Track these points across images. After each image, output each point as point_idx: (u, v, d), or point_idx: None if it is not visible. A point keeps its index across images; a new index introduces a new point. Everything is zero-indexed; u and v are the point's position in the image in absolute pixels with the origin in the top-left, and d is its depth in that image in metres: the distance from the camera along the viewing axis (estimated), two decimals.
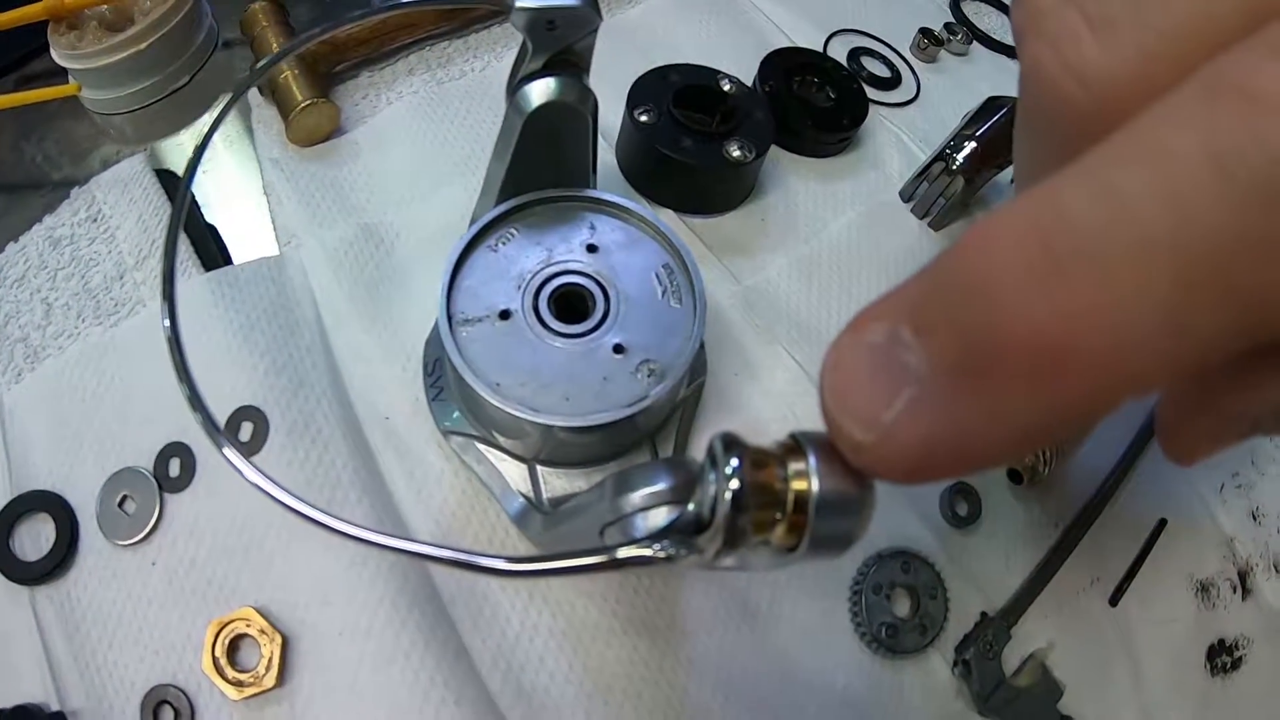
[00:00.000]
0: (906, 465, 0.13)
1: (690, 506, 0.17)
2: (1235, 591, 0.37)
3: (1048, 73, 0.14)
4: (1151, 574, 0.36)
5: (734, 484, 0.16)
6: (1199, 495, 0.39)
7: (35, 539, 0.31)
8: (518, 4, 0.26)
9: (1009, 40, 0.52)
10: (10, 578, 0.30)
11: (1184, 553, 0.37)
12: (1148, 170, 0.11)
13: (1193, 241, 0.11)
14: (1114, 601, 0.35)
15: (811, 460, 0.16)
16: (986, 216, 0.12)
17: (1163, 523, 0.38)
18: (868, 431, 0.13)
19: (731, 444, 0.16)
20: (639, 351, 0.29)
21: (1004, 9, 0.55)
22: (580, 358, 0.28)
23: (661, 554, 0.16)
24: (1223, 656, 0.36)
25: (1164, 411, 0.18)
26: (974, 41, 0.53)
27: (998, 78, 0.51)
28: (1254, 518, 0.39)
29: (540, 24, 0.26)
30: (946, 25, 0.53)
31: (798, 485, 0.16)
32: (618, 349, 0.29)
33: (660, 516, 0.18)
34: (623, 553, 0.16)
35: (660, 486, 0.19)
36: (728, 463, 0.16)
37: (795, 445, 0.17)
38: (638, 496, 0.19)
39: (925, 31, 0.51)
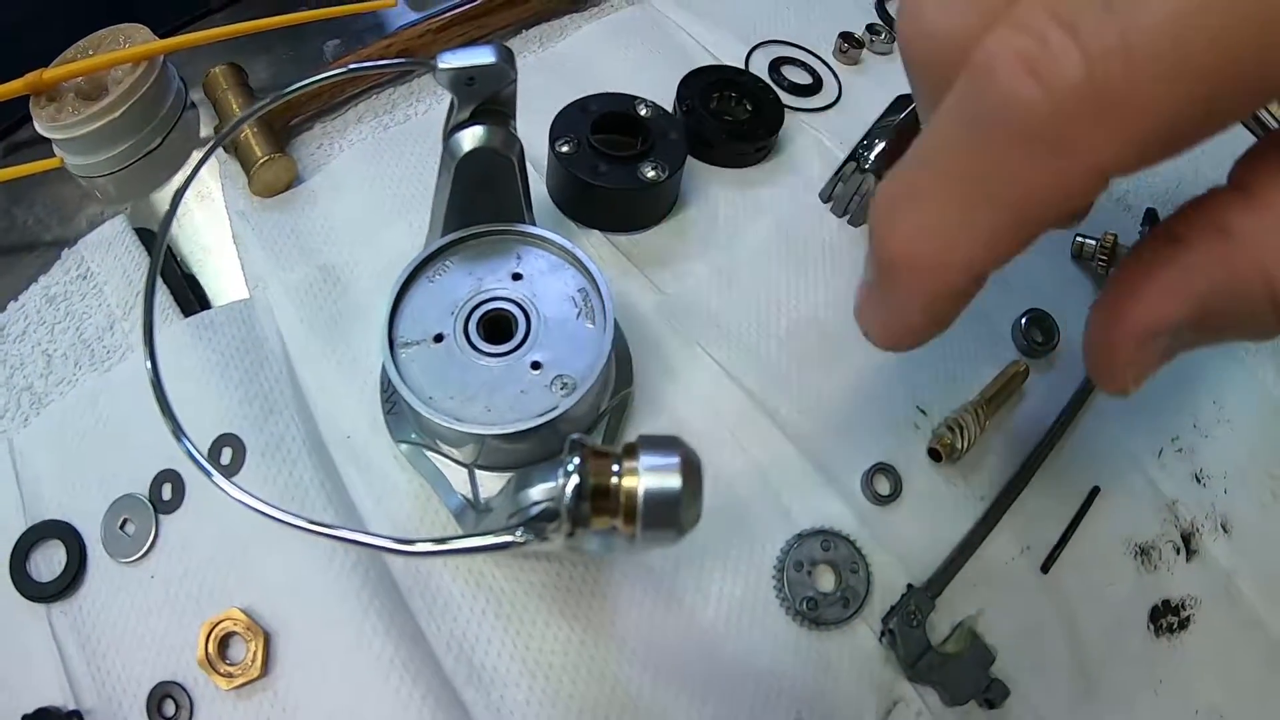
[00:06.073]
0: (875, 338, 0.20)
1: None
2: (1179, 553, 0.38)
3: (907, 36, 0.19)
4: (1086, 540, 0.37)
5: (574, 479, 0.19)
6: (1134, 461, 0.39)
7: (49, 562, 0.34)
8: (440, 65, 0.28)
9: None
10: (29, 597, 0.33)
11: (1120, 518, 0.38)
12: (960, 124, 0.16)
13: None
14: (1046, 568, 0.36)
15: (642, 459, 0.20)
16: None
17: (1095, 490, 0.38)
18: (867, 330, 0.21)
19: (575, 446, 0.20)
20: (554, 367, 0.32)
21: None
22: (502, 373, 0.31)
23: (521, 539, 0.20)
24: (1168, 617, 0.36)
25: (1088, 348, 0.19)
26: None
27: None
28: (1197, 480, 0.40)
29: (461, 80, 0.29)
30: (869, 26, 0.55)
31: (628, 481, 0.19)
32: (535, 365, 0.32)
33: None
34: (491, 539, 0.20)
35: (551, 484, 0.22)
36: (570, 462, 0.20)
37: (633, 446, 0.20)
38: (534, 492, 0.23)
39: (845, 35, 0.53)
